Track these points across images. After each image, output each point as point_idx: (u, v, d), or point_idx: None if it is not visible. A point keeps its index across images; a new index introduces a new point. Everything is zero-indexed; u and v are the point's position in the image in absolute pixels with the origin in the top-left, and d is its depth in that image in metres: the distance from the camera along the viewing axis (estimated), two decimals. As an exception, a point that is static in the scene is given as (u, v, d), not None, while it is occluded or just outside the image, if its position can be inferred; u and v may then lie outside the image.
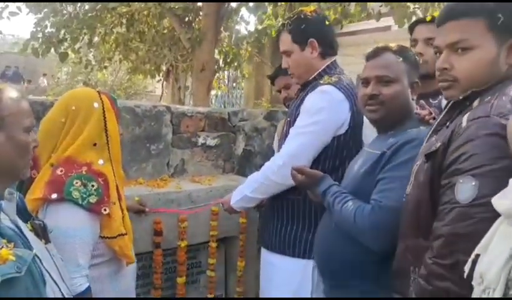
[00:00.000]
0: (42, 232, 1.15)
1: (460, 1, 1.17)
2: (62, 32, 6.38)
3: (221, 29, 6.67)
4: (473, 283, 0.88)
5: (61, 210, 1.45)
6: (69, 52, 6.70)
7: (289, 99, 2.42)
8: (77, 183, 1.47)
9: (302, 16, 1.92)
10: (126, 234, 1.59)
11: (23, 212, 1.15)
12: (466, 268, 0.91)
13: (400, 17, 4.74)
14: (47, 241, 1.16)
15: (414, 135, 1.45)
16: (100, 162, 1.56)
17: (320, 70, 1.93)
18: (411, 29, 2.10)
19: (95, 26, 6.63)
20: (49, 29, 6.48)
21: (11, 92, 1.09)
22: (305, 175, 1.65)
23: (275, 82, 2.66)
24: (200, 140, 2.88)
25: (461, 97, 1.16)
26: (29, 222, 1.13)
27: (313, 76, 1.94)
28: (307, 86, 1.94)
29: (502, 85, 1.11)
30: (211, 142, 2.92)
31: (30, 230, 1.11)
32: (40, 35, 6.41)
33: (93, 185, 1.49)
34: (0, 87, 1.08)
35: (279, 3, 5.61)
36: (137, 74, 8.63)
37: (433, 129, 1.27)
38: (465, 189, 1.01)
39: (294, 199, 1.88)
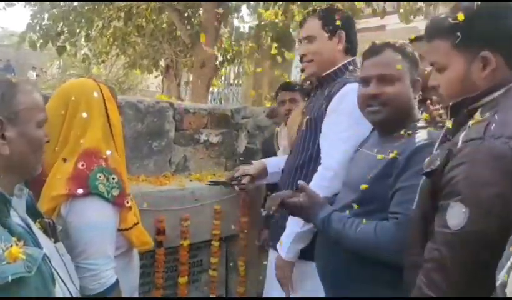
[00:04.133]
0: (52, 231, 1.12)
1: None
2: (60, 25, 6.31)
3: (222, 25, 6.62)
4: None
5: (88, 205, 1.43)
6: (67, 46, 6.63)
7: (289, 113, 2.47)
8: (100, 177, 1.45)
9: (335, 6, 1.93)
10: (138, 222, 1.60)
11: (32, 210, 1.12)
12: (500, 276, 0.88)
13: (406, 14, 4.71)
14: (56, 240, 1.13)
15: (425, 139, 1.38)
16: (108, 152, 1.53)
17: (340, 66, 1.89)
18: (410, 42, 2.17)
19: (93, 19, 6.56)
20: (46, 22, 6.40)
21: (25, 86, 1.06)
22: (309, 197, 1.49)
23: (278, 94, 2.72)
24: (203, 137, 2.84)
25: (450, 104, 1.17)
26: (37, 221, 1.10)
27: (331, 70, 1.89)
28: (327, 81, 1.89)
29: (504, 95, 1.08)
30: (213, 139, 2.88)
31: (39, 228, 1.09)
32: (37, 28, 6.33)
33: (113, 178, 1.49)
34: (14, 81, 1.05)
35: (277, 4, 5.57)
36: (134, 69, 8.55)
37: (438, 141, 1.24)
38: (455, 215, 1.00)
39: None
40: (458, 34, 1.10)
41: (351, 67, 1.89)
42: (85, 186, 1.43)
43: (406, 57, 1.48)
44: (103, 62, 8.18)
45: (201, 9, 6.59)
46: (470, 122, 1.08)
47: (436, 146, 1.25)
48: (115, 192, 1.48)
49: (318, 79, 1.94)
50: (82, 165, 1.46)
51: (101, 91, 1.55)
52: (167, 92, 8.31)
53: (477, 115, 1.09)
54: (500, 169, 0.96)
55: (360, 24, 7.07)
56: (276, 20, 5.76)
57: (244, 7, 6.72)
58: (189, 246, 2.36)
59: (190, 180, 2.60)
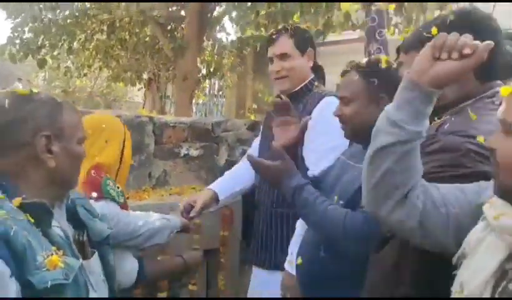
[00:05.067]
0: (81, 248, 1.17)
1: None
2: (41, 38, 6.27)
3: (204, 37, 6.66)
4: (452, 289, 0.89)
5: (103, 206, 1.54)
6: (47, 59, 6.58)
7: None
8: (110, 183, 1.62)
9: (303, 28, 2.09)
10: None
11: (75, 220, 1.19)
12: (454, 259, 0.91)
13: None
14: (86, 257, 1.16)
15: None
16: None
17: (306, 82, 2.00)
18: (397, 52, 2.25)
19: (75, 33, 6.54)
20: (27, 35, 6.35)
21: (68, 105, 1.16)
22: (282, 161, 1.46)
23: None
24: (183, 151, 2.84)
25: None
26: (76, 231, 1.17)
27: (302, 85, 1.99)
28: (297, 97, 1.97)
29: (471, 105, 1.14)
30: (194, 153, 2.89)
31: (74, 241, 1.14)
32: (18, 41, 6.28)
33: (118, 187, 1.66)
34: (59, 101, 1.14)
35: (261, 13, 5.64)
36: (117, 82, 8.53)
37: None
38: None
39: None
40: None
41: (315, 83, 2.01)
42: (98, 191, 1.58)
43: (367, 76, 1.50)
44: (85, 75, 8.14)
45: (184, 22, 6.63)
46: (431, 124, 1.13)
47: None
48: (121, 199, 1.65)
49: (289, 94, 1.99)
50: (94, 174, 1.62)
51: (124, 131, 1.78)
52: (151, 105, 8.30)
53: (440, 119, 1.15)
54: (450, 158, 1.02)
55: (345, 35, 7.22)
56: (260, 32, 5.83)
57: (226, 18, 6.78)
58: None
59: (170, 195, 2.60)
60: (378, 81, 1.49)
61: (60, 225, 1.10)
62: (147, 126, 2.67)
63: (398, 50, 2.13)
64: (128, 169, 1.83)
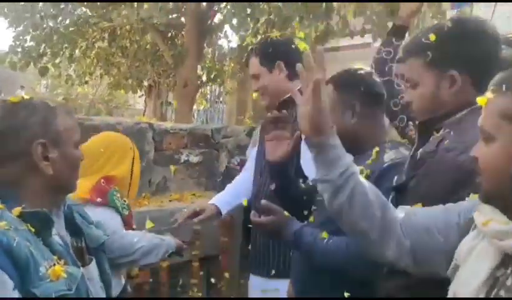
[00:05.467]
0: (80, 254, 1.16)
1: None
2: (43, 46, 6.31)
3: (204, 44, 6.70)
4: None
5: (105, 213, 1.60)
6: (49, 67, 6.63)
7: None
8: (116, 194, 1.68)
9: (269, 40, 2.01)
10: None
11: (72, 226, 1.18)
12: (448, 273, 0.92)
13: (376, 35, 4.87)
14: (85, 264, 1.16)
15: (392, 159, 1.41)
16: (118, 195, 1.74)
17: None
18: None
19: (76, 41, 6.58)
20: (28, 43, 6.39)
21: (62, 109, 1.13)
22: (275, 214, 1.47)
23: None
24: (183, 158, 2.85)
25: (417, 123, 1.25)
26: (71, 239, 1.15)
27: (287, 96, 1.94)
28: (287, 107, 1.96)
29: (466, 115, 1.14)
30: (193, 159, 2.90)
31: (73, 248, 1.13)
32: (19, 49, 6.32)
33: (125, 201, 1.71)
34: (53, 104, 1.12)
35: (260, 21, 5.67)
36: (118, 89, 8.57)
37: (408, 159, 1.29)
38: None
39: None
40: (429, 52, 1.16)
41: None
42: (104, 198, 1.64)
43: (341, 87, 1.52)
44: (86, 82, 8.18)
45: (184, 29, 6.67)
46: (431, 138, 1.15)
47: (406, 164, 1.29)
48: (126, 212, 1.70)
49: (277, 107, 1.99)
50: (103, 183, 1.68)
51: (134, 150, 1.85)
52: (152, 112, 8.33)
53: (440, 133, 1.15)
54: (452, 179, 1.02)
55: (345, 41, 7.25)
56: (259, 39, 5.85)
57: (227, 25, 6.82)
58: (168, 267, 2.35)
59: (170, 201, 2.61)
60: (351, 91, 1.51)
61: (58, 232, 1.08)
62: (147, 133, 2.68)
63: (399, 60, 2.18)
64: (138, 184, 1.90)
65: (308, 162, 1.82)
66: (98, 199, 1.63)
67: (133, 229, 1.76)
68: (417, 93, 1.22)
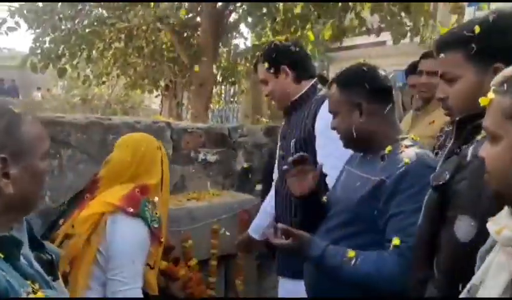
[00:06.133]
0: (51, 268, 1.06)
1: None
2: (61, 47, 6.40)
3: (220, 44, 6.71)
4: None
5: (133, 224, 1.59)
6: (67, 68, 6.72)
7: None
8: (148, 206, 1.64)
9: (273, 46, 2.06)
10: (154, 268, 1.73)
11: (32, 240, 1.05)
12: (462, 296, 0.90)
13: (396, 35, 4.84)
14: (56, 278, 1.07)
15: (412, 160, 1.37)
16: (156, 199, 1.73)
17: (304, 91, 2.01)
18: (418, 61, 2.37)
19: (94, 42, 6.65)
20: (47, 45, 6.49)
21: (27, 117, 0.99)
22: (293, 238, 1.43)
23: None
24: (200, 157, 2.86)
25: (457, 119, 1.20)
26: (35, 252, 1.03)
27: (298, 96, 2.01)
28: (298, 106, 2.01)
29: None
30: (211, 158, 2.91)
31: (37, 261, 1.03)
32: (39, 51, 6.42)
33: (156, 213, 1.66)
34: (16, 112, 0.97)
35: (277, 19, 5.66)
36: (134, 89, 8.64)
37: (443, 156, 1.26)
38: (463, 228, 1.02)
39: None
40: (473, 45, 1.12)
41: (318, 86, 2.03)
42: (136, 207, 1.60)
43: (344, 85, 1.50)
44: (103, 83, 8.26)
45: (199, 29, 6.69)
46: (479, 137, 1.10)
47: (440, 161, 1.26)
48: (155, 224, 1.64)
49: (288, 108, 2.06)
50: (138, 192, 1.66)
51: (161, 148, 1.83)
52: (168, 112, 8.38)
53: None
54: None
55: (359, 39, 7.20)
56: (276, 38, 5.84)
57: (243, 25, 6.82)
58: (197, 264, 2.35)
59: (188, 200, 2.62)
60: (354, 89, 1.48)
61: (22, 252, 0.96)
62: (165, 132, 2.70)
63: (421, 57, 2.17)
64: (169, 187, 1.88)
65: (324, 159, 1.82)
66: (130, 209, 1.59)
67: (160, 243, 1.70)
68: (456, 88, 1.18)
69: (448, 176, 1.10)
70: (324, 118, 1.80)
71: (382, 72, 1.53)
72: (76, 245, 1.57)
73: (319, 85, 2.05)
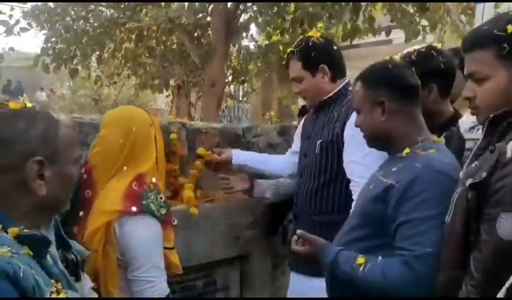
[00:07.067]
0: (74, 269, 1.09)
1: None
2: (73, 48, 6.46)
3: (231, 44, 6.72)
4: None
5: (142, 222, 1.54)
6: (79, 68, 6.78)
7: None
8: (151, 196, 1.56)
9: (310, 43, 1.98)
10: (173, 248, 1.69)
11: (58, 238, 1.09)
12: (501, 294, 0.88)
13: (409, 34, 4.81)
14: (78, 279, 1.09)
15: (424, 165, 1.33)
16: (154, 179, 1.64)
17: (336, 91, 1.99)
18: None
19: (105, 42, 6.70)
20: (59, 45, 6.55)
21: (66, 121, 1.04)
22: (310, 244, 1.47)
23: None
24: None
25: (491, 117, 1.17)
26: (60, 251, 1.07)
27: (328, 96, 1.99)
28: (327, 106, 1.99)
29: None
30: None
31: (61, 260, 1.06)
32: (50, 51, 6.48)
33: (161, 198, 1.59)
34: (55, 118, 1.01)
35: (287, 18, 5.66)
36: (145, 89, 8.68)
37: (472, 153, 1.25)
38: (507, 226, 1.01)
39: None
40: (505, 45, 1.11)
41: (349, 88, 1.97)
42: (138, 204, 1.53)
43: (365, 82, 1.49)
44: (115, 83, 8.32)
45: (210, 29, 6.71)
46: None
47: (468, 159, 1.26)
48: (163, 211, 1.58)
49: (318, 106, 2.04)
50: (135, 186, 1.56)
51: (153, 122, 1.69)
52: (177, 112, 8.42)
53: None
54: None
55: (366, 38, 7.17)
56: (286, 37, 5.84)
57: (253, 25, 6.82)
58: (201, 265, 2.36)
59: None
60: (377, 86, 1.46)
61: (49, 251, 0.99)
62: (180, 132, 2.70)
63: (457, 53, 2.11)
64: (164, 160, 1.76)
65: (350, 164, 1.82)
66: (133, 208, 1.52)
67: (173, 226, 1.65)
68: (486, 87, 1.16)
69: (484, 173, 1.09)
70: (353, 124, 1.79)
71: (408, 70, 1.50)
72: (95, 261, 1.52)
73: (349, 88, 1.99)
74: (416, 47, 1.76)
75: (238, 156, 2.36)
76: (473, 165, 1.17)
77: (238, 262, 2.63)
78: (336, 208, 1.88)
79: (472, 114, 1.25)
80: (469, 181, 1.11)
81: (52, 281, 0.92)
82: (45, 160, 0.95)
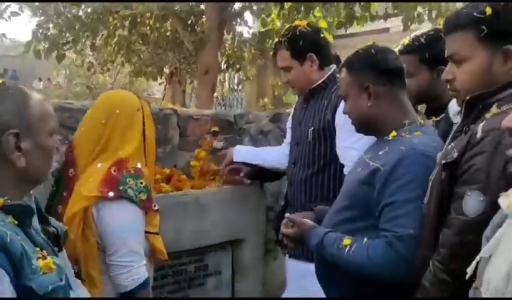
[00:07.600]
0: (56, 240, 1.12)
1: None
2: (66, 34, 6.39)
3: (225, 31, 6.68)
4: (481, 289, 0.88)
5: (118, 207, 1.54)
6: (70, 54, 6.72)
7: None
8: (129, 181, 1.55)
9: (298, 32, 2.00)
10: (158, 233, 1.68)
11: (39, 213, 1.12)
12: (469, 270, 0.91)
13: (406, 20, 4.80)
14: (60, 249, 1.12)
15: (408, 148, 1.35)
16: (138, 165, 1.63)
17: (324, 79, 2.02)
18: None
19: (98, 29, 6.64)
20: (51, 31, 6.48)
21: (36, 95, 1.07)
22: (298, 227, 1.51)
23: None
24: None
25: (467, 99, 1.19)
26: (40, 225, 1.09)
27: (317, 84, 2.01)
28: (316, 93, 2.01)
29: None
30: (217, 144, 2.91)
31: (43, 233, 1.09)
32: (42, 36, 6.41)
33: (141, 183, 1.57)
34: (25, 91, 1.05)
35: (285, 5, 5.62)
36: (139, 77, 8.63)
37: (451, 136, 1.27)
38: (472, 203, 1.04)
39: None
40: (484, 27, 1.12)
41: (337, 75, 1.96)
42: (115, 190, 1.53)
43: (351, 68, 1.50)
44: (108, 70, 8.26)
45: (204, 16, 6.66)
46: (487, 115, 1.11)
47: (448, 140, 1.28)
48: (143, 196, 1.56)
49: (308, 94, 2.06)
50: (114, 171, 1.56)
51: (142, 108, 1.66)
52: (171, 99, 8.38)
53: (494, 109, 1.11)
54: None
55: (364, 26, 7.15)
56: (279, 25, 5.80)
57: (248, 12, 6.78)
58: (193, 250, 2.39)
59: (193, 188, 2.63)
60: (362, 72, 1.47)
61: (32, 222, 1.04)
62: (171, 119, 2.70)
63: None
64: (154, 147, 1.74)
65: (343, 150, 1.84)
66: (110, 193, 1.52)
67: (155, 212, 1.62)
68: (465, 69, 1.17)
69: (456, 154, 1.11)
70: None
71: (392, 54, 1.51)
72: (75, 245, 1.52)
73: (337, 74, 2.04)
74: (424, 30, 1.77)
75: (240, 153, 2.38)
76: (449, 147, 1.19)
77: (230, 247, 2.65)
78: (332, 194, 1.90)
79: (453, 96, 1.27)
80: (442, 162, 1.14)
81: (37, 249, 0.96)
82: (20, 132, 0.99)
